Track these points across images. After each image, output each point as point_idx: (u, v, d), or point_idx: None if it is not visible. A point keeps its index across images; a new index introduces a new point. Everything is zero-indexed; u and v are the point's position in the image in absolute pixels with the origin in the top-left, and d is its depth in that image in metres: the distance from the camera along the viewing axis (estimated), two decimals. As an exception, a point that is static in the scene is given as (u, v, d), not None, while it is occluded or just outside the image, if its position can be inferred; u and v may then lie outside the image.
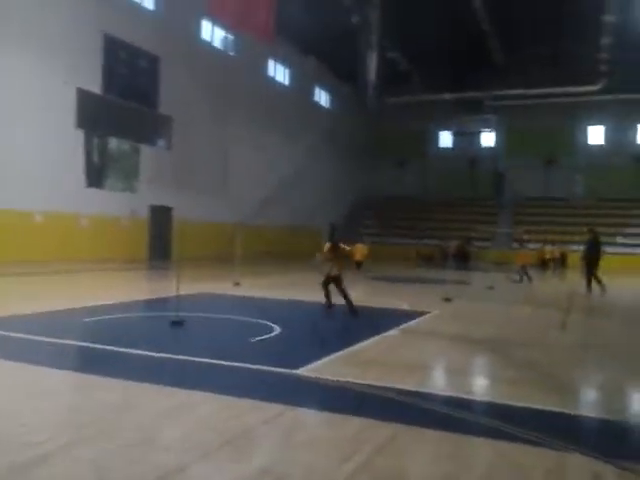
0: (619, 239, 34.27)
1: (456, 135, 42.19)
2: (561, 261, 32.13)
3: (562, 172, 40.31)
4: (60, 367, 5.78)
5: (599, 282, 15.99)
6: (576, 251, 32.77)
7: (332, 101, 40.16)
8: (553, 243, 31.97)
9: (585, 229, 18.67)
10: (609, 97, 35.16)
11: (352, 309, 9.94)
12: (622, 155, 38.74)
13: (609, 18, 27.00)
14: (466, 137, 41.57)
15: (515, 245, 32.99)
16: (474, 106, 37.83)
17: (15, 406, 4.45)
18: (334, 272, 10.24)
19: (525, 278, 20.06)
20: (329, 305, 10.34)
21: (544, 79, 34.13)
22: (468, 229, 35.03)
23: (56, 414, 4.41)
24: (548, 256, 30.52)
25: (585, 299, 14.89)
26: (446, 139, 44.42)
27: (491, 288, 16.99)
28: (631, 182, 38.04)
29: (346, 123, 40.65)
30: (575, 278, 23.39)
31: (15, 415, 4.24)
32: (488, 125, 39.64)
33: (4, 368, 5.56)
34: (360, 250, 21.95)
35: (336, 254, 10.38)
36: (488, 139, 42.63)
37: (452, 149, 44.09)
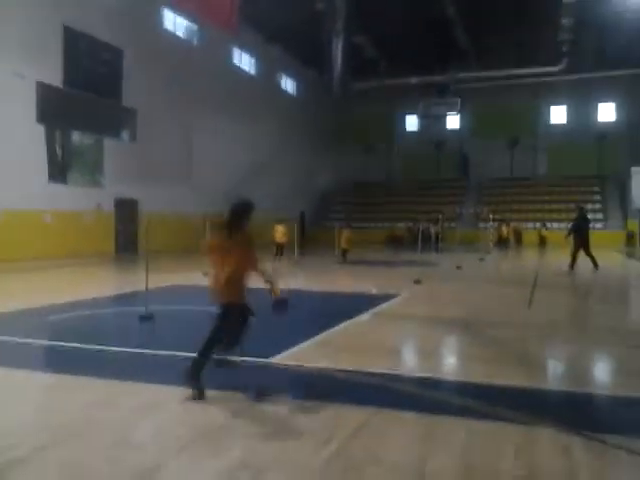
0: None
1: (422, 118, 42.41)
2: (517, 239, 33.32)
3: (526, 152, 41.04)
4: (29, 367, 5.68)
5: (593, 260, 15.80)
6: (535, 229, 33.82)
7: (298, 88, 39.92)
8: (508, 222, 32.81)
9: (573, 206, 18.69)
10: (571, 77, 35.76)
11: None
12: (584, 133, 39.47)
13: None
14: (432, 120, 41.82)
15: (481, 225, 33.60)
16: (439, 89, 38.01)
17: (-17, 410, 4.37)
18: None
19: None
20: None
21: (507, 61, 34.47)
22: (435, 211, 35.39)
23: (29, 416, 4.35)
24: (505, 234, 31.56)
25: (554, 276, 15.23)
26: (412, 123, 44.64)
27: (459, 268, 17.24)
28: (593, 159, 38.89)
29: (313, 110, 40.52)
30: (531, 255, 23.83)
31: (-16, 419, 4.16)
32: (453, 108, 39.91)
33: (-30, 372, 5.44)
34: (280, 233, 19.63)
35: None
36: (454, 121, 42.96)
37: (418, 133, 44.38)
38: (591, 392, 5.11)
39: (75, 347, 6.51)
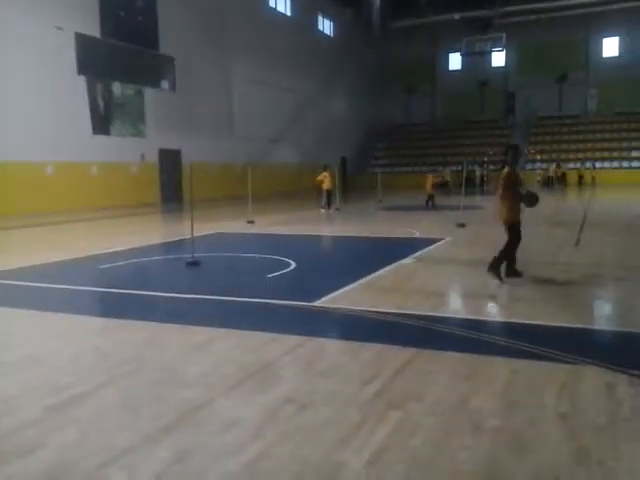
0: (634, 153, 33.62)
1: (465, 56, 40.83)
2: (561, 179, 32.40)
3: (576, 88, 39.26)
4: (84, 313, 5.94)
5: None
6: (590, 169, 32.51)
7: (336, 29, 38.88)
8: (558, 163, 31.84)
9: None
10: (624, 5, 33.70)
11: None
12: (639, 66, 37.41)
13: None
14: (476, 58, 40.27)
15: (528, 166, 32.65)
16: (483, 25, 36.46)
17: (47, 352, 4.62)
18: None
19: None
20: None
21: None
22: (481, 152, 34.55)
23: (86, 357, 4.57)
24: (552, 175, 30.78)
25: (603, 216, 14.79)
26: (455, 61, 43.12)
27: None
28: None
29: (352, 52, 39.55)
30: (578, 196, 23.04)
31: (48, 360, 4.40)
32: (498, 44, 38.20)
33: (32, 317, 5.73)
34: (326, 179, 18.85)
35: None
36: (499, 59, 41.30)
37: (462, 71, 42.89)
38: (637, 331, 5.02)
39: (126, 293, 6.75)
